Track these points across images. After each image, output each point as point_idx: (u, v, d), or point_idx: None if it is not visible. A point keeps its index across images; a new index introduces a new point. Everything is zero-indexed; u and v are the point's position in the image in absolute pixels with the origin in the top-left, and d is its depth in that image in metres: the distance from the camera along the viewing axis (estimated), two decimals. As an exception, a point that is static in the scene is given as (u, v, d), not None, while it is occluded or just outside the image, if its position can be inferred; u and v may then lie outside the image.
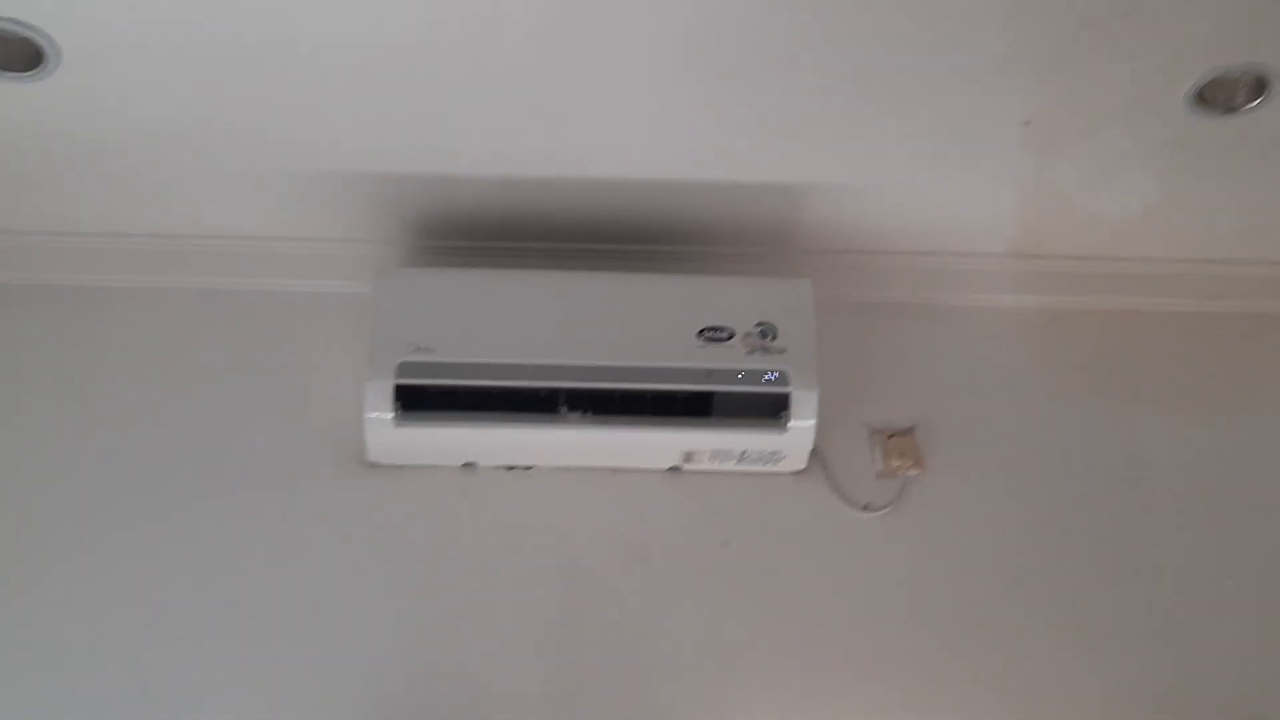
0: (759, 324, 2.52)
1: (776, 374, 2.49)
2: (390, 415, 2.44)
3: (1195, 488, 2.71)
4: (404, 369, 2.44)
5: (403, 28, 2.17)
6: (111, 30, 2.15)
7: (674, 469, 2.64)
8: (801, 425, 2.51)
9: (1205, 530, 2.68)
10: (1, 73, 2.21)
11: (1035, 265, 2.83)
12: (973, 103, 2.37)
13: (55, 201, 2.62)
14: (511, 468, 2.63)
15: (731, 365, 2.49)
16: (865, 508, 2.65)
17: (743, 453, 2.57)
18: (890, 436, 2.70)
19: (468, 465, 2.61)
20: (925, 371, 2.78)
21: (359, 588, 2.52)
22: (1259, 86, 2.31)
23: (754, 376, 2.49)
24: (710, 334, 2.51)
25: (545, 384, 2.47)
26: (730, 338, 2.51)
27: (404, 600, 2.52)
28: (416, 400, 2.45)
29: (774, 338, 2.51)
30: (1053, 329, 2.83)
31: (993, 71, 2.28)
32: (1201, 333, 2.85)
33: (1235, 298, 2.86)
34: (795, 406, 2.49)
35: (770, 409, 2.50)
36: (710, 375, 2.49)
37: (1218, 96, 2.34)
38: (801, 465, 2.62)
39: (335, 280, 2.70)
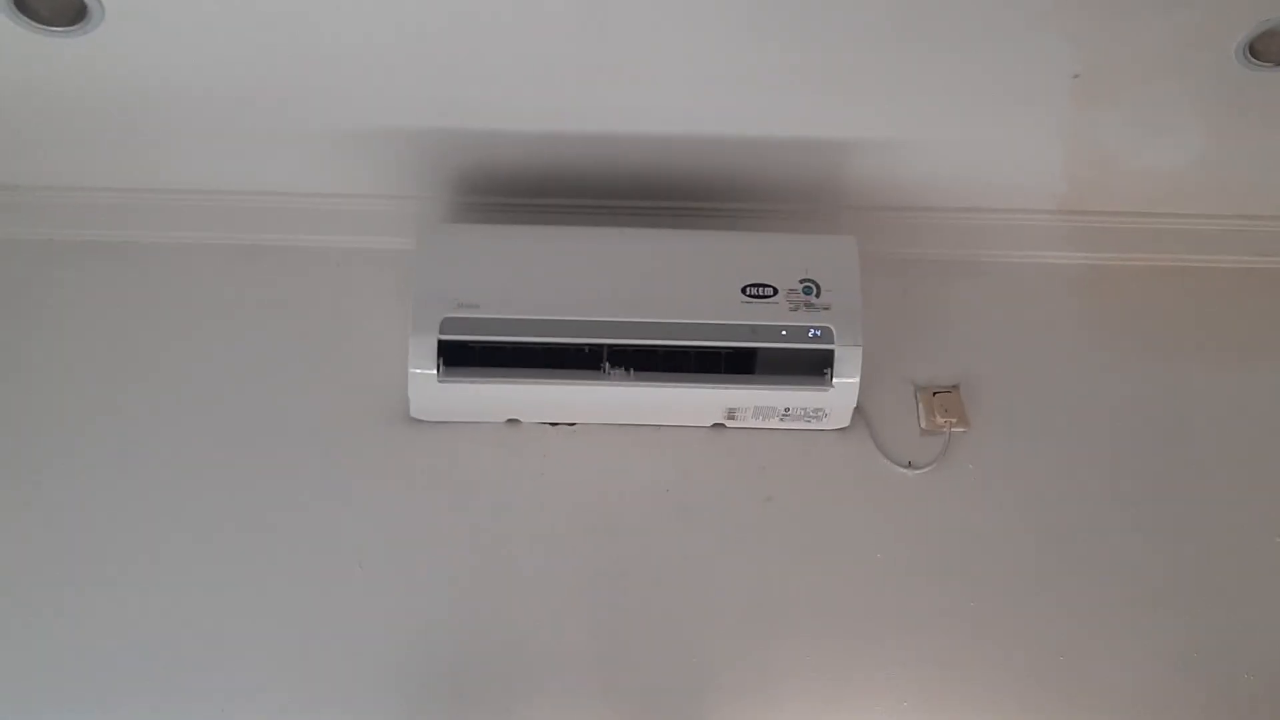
0: (803, 280, 2.51)
1: (820, 331, 2.48)
2: (434, 371, 2.45)
3: (1242, 446, 2.69)
4: (447, 325, 2.44)
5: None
6: (155, -16, 2.16)
7: (717, 426, 2.63)
8: (845, 382, 2.50)
9: (1252, 488, 2.66)
10: (47, 27, 2.22)
11: (1082, 221, 2.81)
12: (1021, 55, 2.34)
13: (100, 157, 2.63)
14: (555, 424, 2.63)
15: (775, 322, 2.48)
16: (909, 465, 2.64)
17: (786, 410, 2.56)
18: (934, 394, 2.69)
19: (511, 421, 2.62)
20: (970, 329, 2.76)
21: (402, 543, 2.53)
22: (1313, 39, 2.28)
23: (798, 333, 2.48)
24: (754, 290, 2.50)
25: (588, 340, 2.47)
26: (774, 294, 2.50)
27: (447, 555, 2.53)
28: (460, 356, 2.45)
29: (818, 294, 2.50)
30: (1099, 286, 2.81)
31: (1041, 23, 2.26)
32: (1250, 290, 2.83)
33: (1284, 255, 2.84)
34: (839, 363, 2.49)
35: (814, 366, 2.49)
36: (754, 332, 2.48)
37: (1270, 49, 2.31)
38: (845, 422, 2.62)
39: (379, 236, 2.71)
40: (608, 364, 2.48)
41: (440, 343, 2.44)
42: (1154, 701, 2.50)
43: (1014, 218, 2.79)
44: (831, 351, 2.48)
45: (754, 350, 2.48)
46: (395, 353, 2.51)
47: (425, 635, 2.47)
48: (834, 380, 2.49)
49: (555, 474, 2.60)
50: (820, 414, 2.57)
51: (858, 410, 2.59)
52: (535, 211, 2.70)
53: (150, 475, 2.56)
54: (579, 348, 2.47)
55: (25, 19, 2.20)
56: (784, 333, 2.48)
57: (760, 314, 2.49)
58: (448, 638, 2.48)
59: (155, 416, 2.60)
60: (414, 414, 2.58)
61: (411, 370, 2.46)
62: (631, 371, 2.48)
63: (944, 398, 2.68)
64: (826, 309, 2.50)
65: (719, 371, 2.49)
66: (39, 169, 2.67)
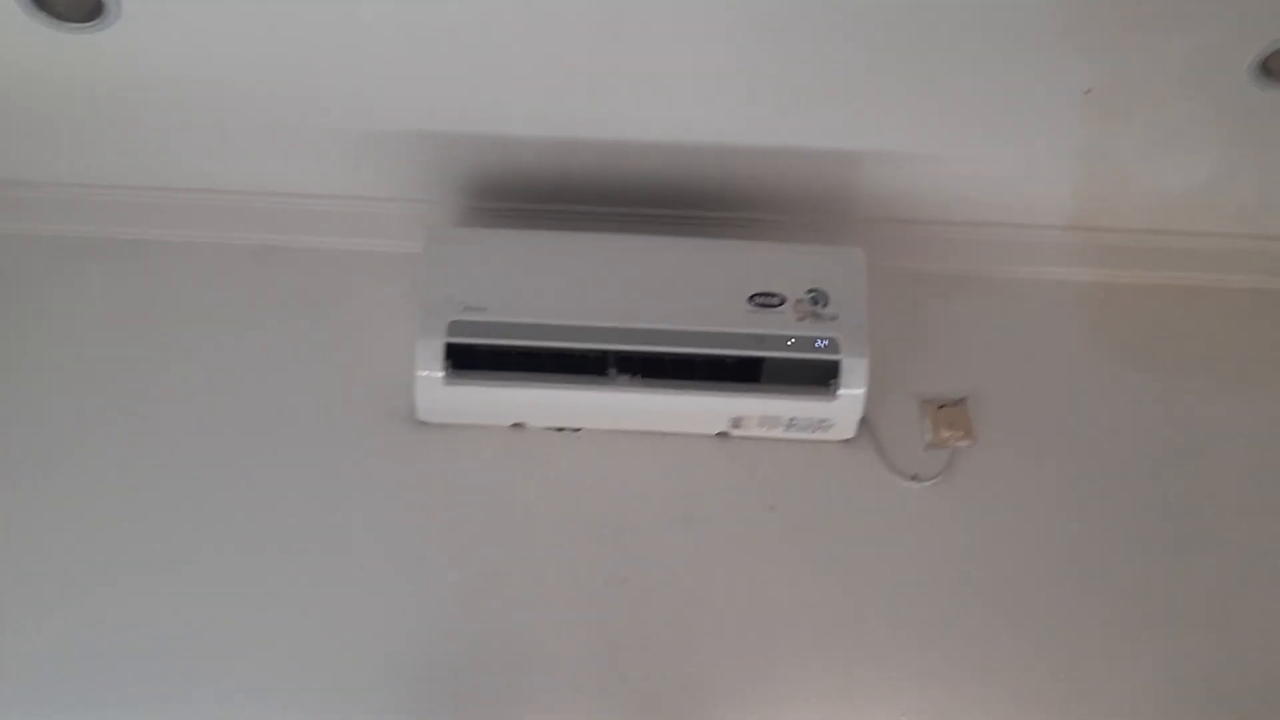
0: (811, 291, 2.51)
1: (827, 341, 2.48)
2: (440, 374, 2.45)
3: (1249, 465, 2.68)
4: (454, 328, 2.45)
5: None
6: (172, -18, 2.17)
7: (722, 434, 2.63)
8: (851, 393, 2.49)
9: (1258, 509, 2.65)
10: (62, 23, 2.23)
11: (1092, 238, 2.81)
12: (1033, 70, 2.34)
13: (112, 154, 2.64)
14: (560, 429, 2.63)
15: (782, 331, 2.48)
16: (913, 478, 2.64)
17: (791, 420, 2.56)
18: (940, 407, 2.68)
19: (516, 426, 2.62)
20: (977, 343, 2.76)
21: (405, 545, 2.53)
22: (1326, 57, 2.28)
23: (805, 343, 2.48)
24: (761, 299, 2.50)
25: (595, 346, 2.47)
26: (781, 304, 2.50)
27: (449, 557, 2.53)
28: (466, 359, 2.45)
29: (825, 304, 2.50)
30: (1108, 303, 2.80)
31: (1054, 38, 2.26)
32: (1259, 309, 2.82)
33: (1294, 274, 2.83)
34: (845, 374, 2.48)
35: (820, 376, 2.49)
36: (761, 341, 2.48)
37: (1282, 67, 2.31)
38: (850, 434, 2.61)
39: (388, 239, 2.71)
40: (614, 370, 2.47)
41: (447, 345, 2.44)
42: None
43: (1024, 233, 2.79)
44: (838, 362, 2.48)
45: (760, 359, 2.48)
46: (402, 355, 2.51)
47: (425, 637, 2.47)
48: (840, 391, 2.49)
49: (559, 479, 2.59)
50: (826, 424, 2.57)
51: (863, 422, 2.59)
52: (544, 217, 2.70)
53: (154, 474, 2.56)
54: (585, 353, 2.47)
55: (42, 14, 2.21)
56: (790, 342, 2.48)
57: (767, 323, 2.48)
58: (447, 640, 2.47)
59: (160, 415, 2.61)
60: (420, 416, 2.58)
61: (418, 372, 2.46)
62: (637, 378, 2.48)
63: (950, 411, 2.67)
64: (834, 319, 2.49)
65: (725, 380, 2.49)
66: (51, 165, 2.67)
